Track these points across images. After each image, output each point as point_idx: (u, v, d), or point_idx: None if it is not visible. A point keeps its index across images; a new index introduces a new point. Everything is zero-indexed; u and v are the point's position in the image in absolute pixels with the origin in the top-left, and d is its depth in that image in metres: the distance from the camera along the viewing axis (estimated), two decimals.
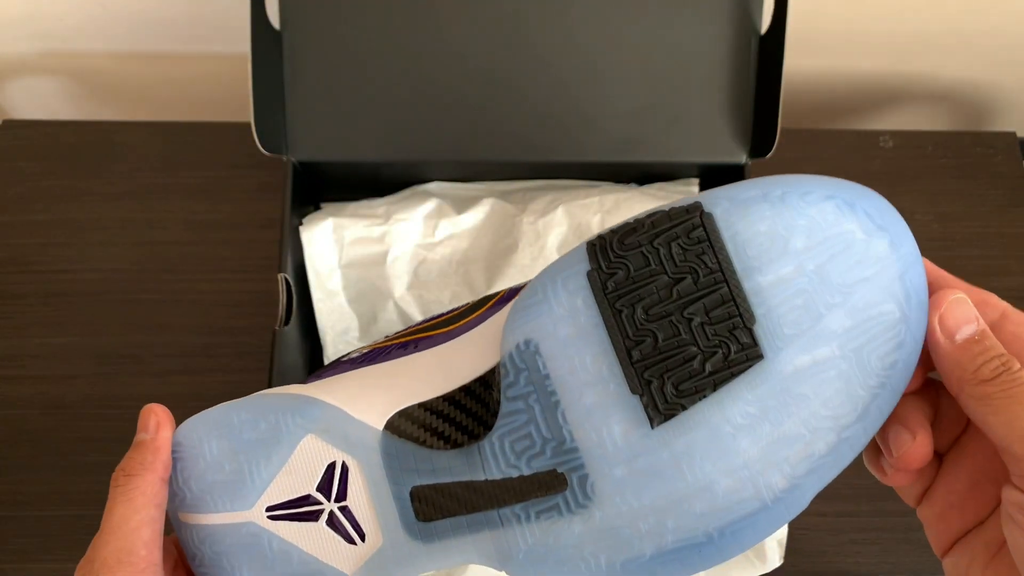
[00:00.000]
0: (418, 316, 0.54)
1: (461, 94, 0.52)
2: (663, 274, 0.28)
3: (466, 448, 0.30)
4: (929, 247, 0.49)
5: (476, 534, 0.30)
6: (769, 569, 0.52)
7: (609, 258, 0.29)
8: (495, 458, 0.29)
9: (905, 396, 0.29)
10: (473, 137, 0.52)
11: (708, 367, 0.28)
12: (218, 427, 0.31)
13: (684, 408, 0.28)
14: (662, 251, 0.28)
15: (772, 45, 0.50)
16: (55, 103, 0.72)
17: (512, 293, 0.34)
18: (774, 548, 0.51)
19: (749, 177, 0.52)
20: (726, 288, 0.28)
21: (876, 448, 0.30)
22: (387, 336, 0.36)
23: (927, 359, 0.29)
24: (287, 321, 0.48)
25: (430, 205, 0.55)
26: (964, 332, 0.27)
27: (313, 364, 0.54)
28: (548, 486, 0.29)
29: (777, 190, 0.28)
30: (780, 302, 0.28)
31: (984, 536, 0.29)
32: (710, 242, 0.28)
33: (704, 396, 0.28)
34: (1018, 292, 0.61)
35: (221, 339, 0.58)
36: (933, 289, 0.29)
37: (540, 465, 0.29)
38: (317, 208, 0.57)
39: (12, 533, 0.55)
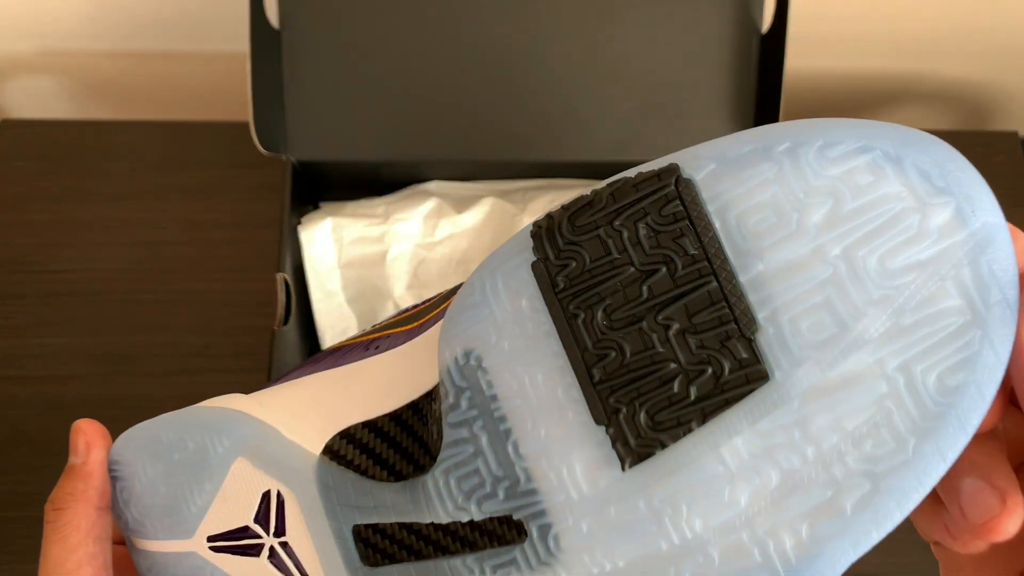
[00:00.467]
0: None
1: (461, 93, 0.52)
2: (629, 265, 0.22)
3: (411, 481, 0.24)
4: None
5: None
6: None
7: (558, 245, 0.22)
8: (440, 497, 0.23)
9: (983, 438, 0.21)
10: (473, 136, 0.52)
11: (693, 391, 0.21)
12: (148, 446, 0.27)
13: (663, 446, 0.21)
14: (626, 234, 0.22)
15: (773, 45, 0.50)
16: (53, 102, 0.72)
17: None
18: None
19: None
20: (715, 283, 0.21)
21: (931, 499, 0.22)
22: (362, 331, 0.31)
23: (1005, 381, 0.21)
24: (286, 321, 0.48)
25: (430, 204, 0.54)
26: None
27: None
28: (502, 536, 0.23)
29: (784, 141, 0.21)
30: (792, 301, 0.21)
31: None
32: (690, 220, 0.21)
33: (689, 430, 0.21)
34: None
35: (220, 339, 0.58)
36: None
37: (493, 509, 0.23)
38: (316, 208, 0.56)
39: (12, 533, 0.55)
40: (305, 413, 0.26)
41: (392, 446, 0.25)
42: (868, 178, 0.20)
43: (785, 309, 0.21)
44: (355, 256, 0.54)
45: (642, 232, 0.22)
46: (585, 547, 0.22)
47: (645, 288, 0.22)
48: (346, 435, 0.25)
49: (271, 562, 0.25)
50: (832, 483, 0.20)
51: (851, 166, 0.21)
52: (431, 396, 0.24)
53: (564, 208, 0.22)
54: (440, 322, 0.25)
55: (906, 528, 0.62)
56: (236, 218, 0.60)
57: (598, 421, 0.22)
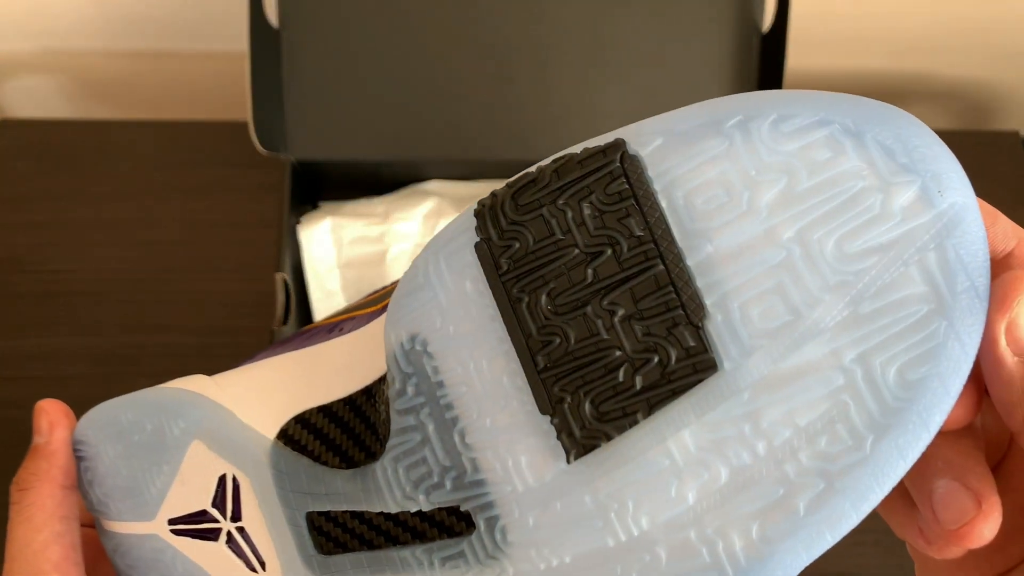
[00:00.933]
0: None
1: (461, 92, 0.52)
2: (573, 247, 0.20)
3: (362, 469, 0.23)
4: None
5: (377, 575, 0.24)
6: None
7: (501, 225, 0.21)
8: (389, 486, 0.23)
9: (958, 435, 0.20)
10: (472, 136, 0.52)
11: (639, 381, 0.20)
12: (109, 427, 0.26)
13: (608, 438, 0.20)
14: (570, 214, 0.20)
15: (774, 44, 0.50)
16: (52, 102, 0.72)
17: None
18: None
19: None
20: (661, 266, 0.20)
21: (905, 501, 0.21)
22: (331, 313, 0.30)
23: (979, 375, 0.19)
24: (285, 321, 0.48)
25: (429, 204, 0.54)
26: None
27: None
28: (450, 527, 0.22)
29: (735, 115, 0.19)
30: (743, 286, 0.19)
31: None
32: (636, 199, 0.20)
33: (635, 422, 0.20)
34: None
35: (219, 339, 0.58)
36: (1006, 266, 0.19)
37: (440, 499, 0.22)
38: (315, 207, 0.56)
39: None
40: (263, 396, 0.25)
41: (345, 432, 0.24)
42: (826, 154, 0.19)
43: (735, 295, 0.19)
44: (355, 256, 0.54)
45: (586, 212, 0.20)
46: (531, 541, 0.21)
47: (590, 271, 0.20)
48: (301, 420, 0.25)
49: (229, 547, 0.25)
50: (784, 481, 0.19)
51: (807, 141, 0.19)
52: (384, 380, 0.23)
53: (508, 186, 0.21)
54: None
55: None
56: (236, 218, 0.60)
57: (543, 411, 0.21)
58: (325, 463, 0.24)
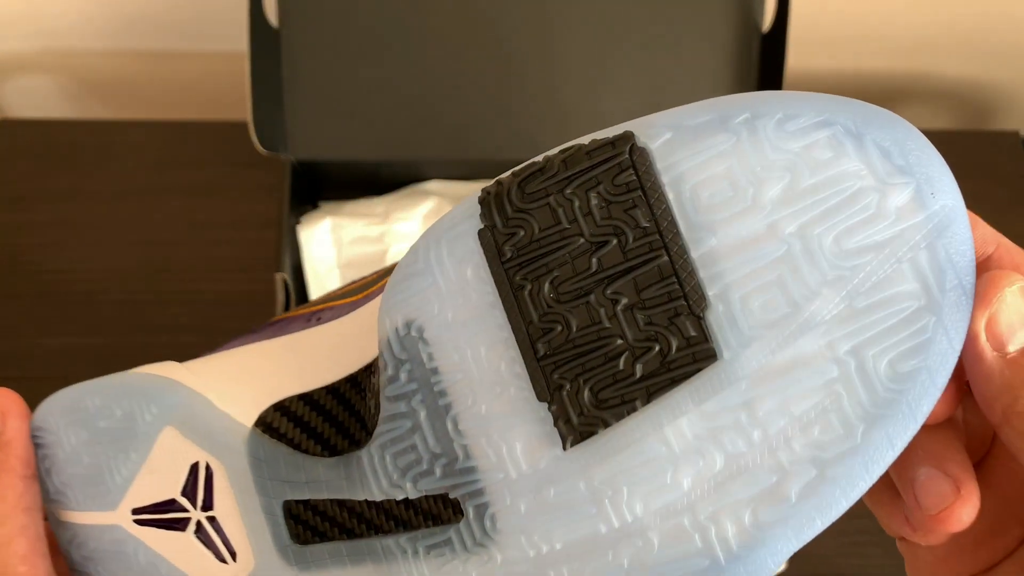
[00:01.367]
0: None
1: (460, 92, 0.52)
2: (579, 236, 0.21)
3: (346, 456, 0.23)
4: None
5: (357, 566, 0.24)
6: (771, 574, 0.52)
7: (507, 212, 0.21)
8: (375, 473, 0.23)
9: (938, 428, 0.21)
10: (472, 136, 0.52)
11: (639, 369, 0.20)
12: (73, 412, 0.26)
13: (606, 424, 0.21)
14: (577, 203, 0.21)
15: (774, 45, 0.50)
16: (52, 102, 0.72)
17: None
18: None
19: None
20: (665, 257, 0.20)
21: (892, 493, 0.22)
22: (307, 303, 0.30)
23: (960, 371, 0.20)
24: None
25: (429, 204, 0.54)
26: (1022, 340, 0.19)
27: None
28: (437, 515, 0.22)
29: (742, 112, 0.20)
30: (744, 278, 0.20)
31: None
32: (643, 190, 0.20)
33: (633, 409, 0.20)
34: None
35: (219, 339, 0.57)
36: (985, 268, 0.21)
37: (428, 487, 0.22)
38: (315, 207, 0.56)
39: None
40: (239, 383, 0.25)
41: (328, 420, 0.24)
42: (827, 154, 0.20)
43: (737, 287, 0.20)
44: (355, 256, 0.54)
45: (593, 202, 0.21)
46: (522, 528, 0.21)
47: (594, 260, 0.21)
48: (281, 407, 0.24)
49: (197, 537, 0.25)
50: (777, 468, 0.20)
51: (810, 141, 0.20)
52: (370, 368, 0.24)
53: (514, 174, 0.21)
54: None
55: None
56: (236, 218, 0.60)
57: (540, 398, 0.21)
58: (306, 451, 0.24)
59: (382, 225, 0.54)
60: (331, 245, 0.53)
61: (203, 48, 0.67)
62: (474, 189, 0.59)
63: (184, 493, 0.25)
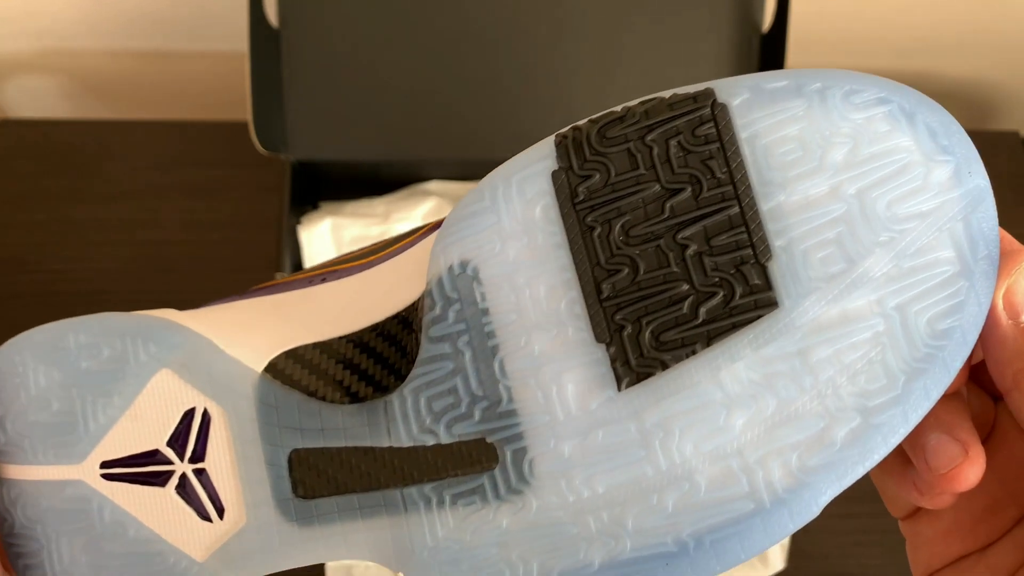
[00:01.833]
0: None
1: (460, 92, 0.52)
2: (654, 182, 0.21)
3: (369, 403, 0.23)
4: None
5: (370, 520, 0.23)
6: (771, 573, 0.52)
7: (584, 155, 0.22)
8: (405, 419, 0.22)
9: (948, 399, 0.23)
10: (472, 136, 0.52)
11: (702, 313, 0.21)
12: (48, 351, 0.24)
13: (664, 366, 0.21)
14: (656, 151, 0.21)
15: (774, 44, 0.50)
16: (52, 102, 0.72)
17: None
18: (776, 551, 0.50)
19: None
20: (737, 208, 0.21)
21: (901, 456, 0.24)
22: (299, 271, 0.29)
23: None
24: None
25: (429, 204, 0.54)
26: None
27: None
28: (472, 461, 0.22)
29: (815, 82, 0.21)
30: (807, 233, 0.21)
31: (990, 561, 0.24)
32: (722, 144, 0.21)
33: (693, 352, 0.21)
34: None
35: None
36: (1001, 252, 0.22)
37: (463, 431, 0.22)
38: (316, 207, 0.56)
39: None
40: (246, 330, 0.24)
41: (349, 368, 0.23)
42: (884, 127, 0.21)
43: (800, 240, 0.21)
44: None
45: (673, 150, 0.21)
46: (563, 472, 0.22)
47: (668, 206, 0.21)
48: (294, 355, 0.24)
49: (178, 492, 0.23)
50: (825, 414, 0.21)
51: (871, 114, 0.21)
52: (400, 318, 0.23)
53: (592, 121, 0.22)
54: (417, 245, 0.24)
55: None
56: (236, 218, 0.60)
57: (599, 339, 0.21)
58: (323, 398, 0.23)
59: (382, 225, 0.54)
60: (331, 245, 0.53)
61: (203, 48, 0.67)
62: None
63: (171, 442, 0.23)
